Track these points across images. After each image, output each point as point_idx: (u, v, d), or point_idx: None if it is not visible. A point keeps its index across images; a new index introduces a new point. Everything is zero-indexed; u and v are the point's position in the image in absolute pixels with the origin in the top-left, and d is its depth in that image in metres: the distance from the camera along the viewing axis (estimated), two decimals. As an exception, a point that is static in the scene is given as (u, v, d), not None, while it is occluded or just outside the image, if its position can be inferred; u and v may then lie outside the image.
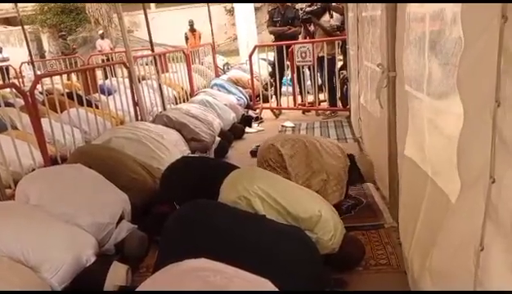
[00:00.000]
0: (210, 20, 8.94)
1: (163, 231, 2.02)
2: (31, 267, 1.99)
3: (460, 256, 1.34)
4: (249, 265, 1.42)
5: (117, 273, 2.13)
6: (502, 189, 1.10)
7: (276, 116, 6.34)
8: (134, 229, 2.58)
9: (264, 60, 7.06)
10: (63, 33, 14.27)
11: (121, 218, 2.57)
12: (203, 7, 10.60)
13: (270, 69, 7.16)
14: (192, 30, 11.34)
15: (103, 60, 10.55)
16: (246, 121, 5.72)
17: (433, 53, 1.66)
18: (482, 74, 1.15)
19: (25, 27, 8.79)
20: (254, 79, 6.69)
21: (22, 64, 12.06)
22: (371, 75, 3.37)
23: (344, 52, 5.49)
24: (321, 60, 5.74)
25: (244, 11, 11.69)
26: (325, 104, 6.18)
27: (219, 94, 6.04)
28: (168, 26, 15.85)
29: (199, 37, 11.37)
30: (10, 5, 16.22)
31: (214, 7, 12.98)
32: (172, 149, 3.77)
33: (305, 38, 6.38)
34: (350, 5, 4.62)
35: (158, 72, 5.85)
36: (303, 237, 2.03)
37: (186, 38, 11.53)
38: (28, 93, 3.65)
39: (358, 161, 2.93)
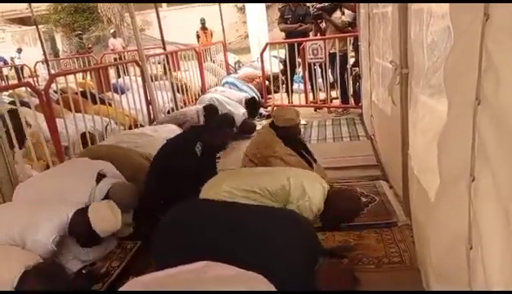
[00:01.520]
0: (221, 19, 8.95)
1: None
2: (20, 242, 2.11)
3: (452, 255, 1.34)
4: (244, 256, 1.48)
5: (99, 211, 2.21)
6: (481, 188, 1.11)
7: (288, 113, 6.32)
8: (117, 181, 2.69)
9: (276, 57, 7.05)
10: (79, 32, 14.40)
11: (103, 177, 2.68)
12: (214, 6, 10.62)
13: (281, 67, 7.14)
14: (204, 28, 11.38)
15: (115, 59, 10.62)
16: (253, 104, 5.68)
17: (429, 49, 1.65)
18: (464, 71, 1.15)
19: (39, 26, 8.89)
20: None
21: (36, 63, 12.22)
22: (382, 72, 3.34)
23: (356, 49, 5.45)
24: (332, 56, 5.71)
25: (256, 9, 11.65)
26: (337, 102, 6.14)
27: (229, 91, 6.06)
28: (180, 25, 15.91)
29: (211, 36, 11.40)
30: (24, 5, 16.42)
31: (225, 5, 12.98)
32: (166, 135, 3.83)
33: (316, 35, 6.35)
34: (362, 1, 4.59)
35: (170, 70, 5.88)
36: (290, 214, 1.99)
37: (198, 37, 11.57)
38: (42, 92, 3.70)
39: (274, 118, 3.11)
